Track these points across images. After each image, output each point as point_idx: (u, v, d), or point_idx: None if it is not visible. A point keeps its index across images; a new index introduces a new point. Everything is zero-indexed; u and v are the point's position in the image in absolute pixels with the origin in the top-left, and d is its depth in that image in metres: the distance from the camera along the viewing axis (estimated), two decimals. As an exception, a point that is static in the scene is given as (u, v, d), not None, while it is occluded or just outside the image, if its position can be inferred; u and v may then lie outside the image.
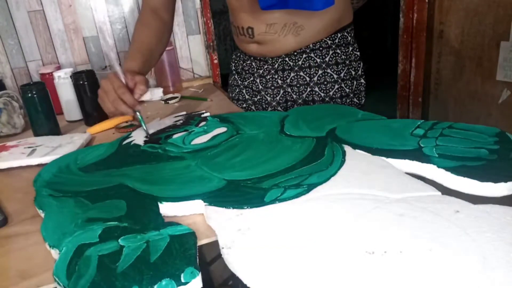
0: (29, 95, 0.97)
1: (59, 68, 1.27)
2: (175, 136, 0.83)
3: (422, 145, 0.65)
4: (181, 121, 0.93)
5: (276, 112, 0.99)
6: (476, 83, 1.59)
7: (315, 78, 1.01)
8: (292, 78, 1.02)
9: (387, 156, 0.64)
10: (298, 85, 1.02)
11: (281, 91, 1.04)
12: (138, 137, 0.87)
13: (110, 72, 0.89)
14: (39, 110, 0.98)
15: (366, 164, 0.63)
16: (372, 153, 0.66)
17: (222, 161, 0.70)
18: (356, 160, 0.65)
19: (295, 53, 1.00)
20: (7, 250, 0.56)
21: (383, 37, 3.44)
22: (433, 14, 1.66)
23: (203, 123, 0.88)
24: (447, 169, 0.58)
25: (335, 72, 1.01)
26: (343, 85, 1.02)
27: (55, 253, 0.52)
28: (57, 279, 0.45)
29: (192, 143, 0.79)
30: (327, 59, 1.00)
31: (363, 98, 1.07)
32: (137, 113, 0.87)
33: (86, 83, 1.05)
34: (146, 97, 1.28)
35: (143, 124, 0.88)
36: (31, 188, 0.69)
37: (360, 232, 0.47)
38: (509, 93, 1.48)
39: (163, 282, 0.42)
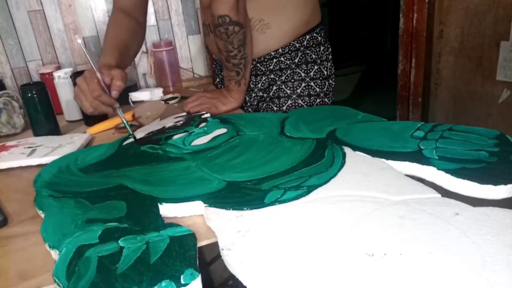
0: (29, 95, 0.97)
1: (59, 68, 1.27)
2: (175, 137, 0.83)
3: (422, 147, 0.65)
4: (182, 122, 0.93)
5: (277, 113, 1.00)
6: (476, 83, 1.58)
7: (283, 77, 1.03)
8: (264, 81, 1.04)
9: (387, 158, 0.64)
10: (269, 85, 1.04)
11: (253, 94, 1.07)
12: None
13: (87, 70, 0.90)
14: (39, 110, 0.98)
15: (366, 166, 0.63)
16: (372, 155, 0.66)
17: (222, 162, 0.70)
18: (356, 162, 0.65)
19: (266, 59, 1.02)
20: (7, 250, 0.56)
21: (383, 37, 3.44)
22: (433, 14, 1.66)
23: (203, 124, 0.88)
24: (447, 171, 0.58)
25: (303, 71, 1.02)
26: (312, 83, 1.03)
27: (55, 254, 0.52)
28: (56, 280, 0.45)
29: (193, 144, 0.79)
30: (296, 60, 1.02)
31: (331, 98, 1.09)
32: (118, 111, 0.87)
33: (86, 83, 1.05)
34: (146, 97, 1.30)
35: (124, 122, 0.87)
36: (31, 189, 0.69)
37: (360, 234, 0.47)
38: (509, 93, 1.48)
39: (163, 283, 0.42)
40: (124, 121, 0.87)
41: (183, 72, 1.53)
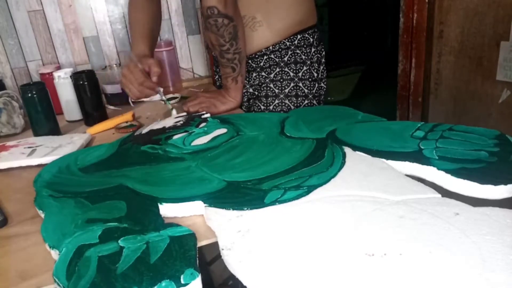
0: (29, 95, 0.97)
1: (59, 68, 1.27)
2: (175, 137, 0.83)
3: (422, 147, 0.65)
4: (182, 122, 0.93)
5: (276, 113, 1.00)
6: (476, 83, 1.58)
7: (272, 75, 1.03)
8: (254, 77, 1.05)
9: (387, 158, 0.64)
10: (260, 83, 1.05)
11: (243, 91, 1.07)
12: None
13: (129, 60, 1.05)
14: (39, 110, 0.98)
15: (366, 166, 0.63)
16: (372, 155, 0.66)
17: (222, 162, 0.70)
18: (356, 162, 0.65)
19: (257, 56, 1.03)
20: (7, 250, 0.56)
21: (383, 37, 3.44)
22: (433, 14, 1.66)
23: (203, 124, 0.88)
24: (447, 171, 0.58)
25: (292, 71, 1.03)
26: (300, 84, 1.04)
27: (55, 254, 0.52)
28: (56, 280, 0.45)
29: (193, 144, 0.79)
30: (285, 58, 1.03)
31: (321, 102, 1.09)
32: (160, 92, 1.04)
33: (86, 83, 1.05)
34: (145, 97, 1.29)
35: (164, 99, 1.07)
36: (31, 189, 0.69)
37: (360, 234, 0.47)
38: (509, 93, 1.48)
39: (163, 283, 0.42)
40: (164, 99, 1.07)
41: (183, 72, 1.53)
